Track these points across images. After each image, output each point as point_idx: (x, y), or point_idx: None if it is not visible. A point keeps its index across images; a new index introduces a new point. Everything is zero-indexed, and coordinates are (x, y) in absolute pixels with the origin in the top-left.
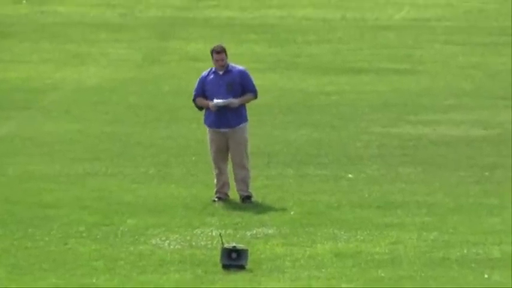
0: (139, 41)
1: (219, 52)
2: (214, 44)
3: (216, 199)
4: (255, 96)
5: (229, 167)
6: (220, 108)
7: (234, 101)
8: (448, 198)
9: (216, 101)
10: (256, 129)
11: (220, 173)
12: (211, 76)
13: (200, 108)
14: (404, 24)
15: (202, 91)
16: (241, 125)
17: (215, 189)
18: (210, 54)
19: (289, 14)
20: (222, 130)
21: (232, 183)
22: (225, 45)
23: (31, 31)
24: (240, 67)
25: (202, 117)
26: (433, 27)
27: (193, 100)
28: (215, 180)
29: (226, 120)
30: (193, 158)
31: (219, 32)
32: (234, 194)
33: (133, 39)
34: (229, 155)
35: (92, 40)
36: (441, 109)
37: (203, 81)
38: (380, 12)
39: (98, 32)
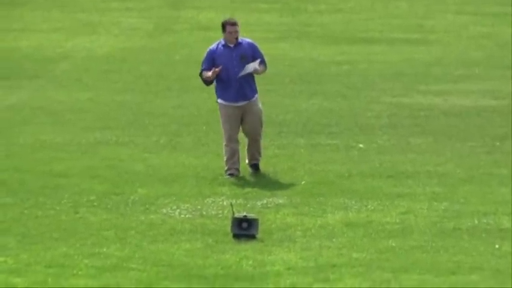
0: (151, 10)
1: (233, 24)
2: (225, 16)
3: (228, 176)
4: (266, 68)
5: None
6: (235, 83)
7: (259, 68)
8: (459, 168)
9: (243, 70)
10: (267, 98)
11: (234, 149)
12: (222, 49)
13: (206, 82)
14: None
15: (212, 65)
16: (255, 97)
17: (227, 166)
18: (221, 27)
19: None
20: (240, 104)
21: (242, 155)
22: (236, 14)
23: (42, 0)
24: (248, 39)
25: (215, 94)
26: None
27: (200, 74)
28: (226, 156)
29: (243, 94)
30: (204, 128)
31: (230, 1)
32: (243, 166)
33: (144, 8)
34: (243, 127)
35: (103, 9)
36: (452, 79)
37: (213, 55)
38: None
39: (109, 1)
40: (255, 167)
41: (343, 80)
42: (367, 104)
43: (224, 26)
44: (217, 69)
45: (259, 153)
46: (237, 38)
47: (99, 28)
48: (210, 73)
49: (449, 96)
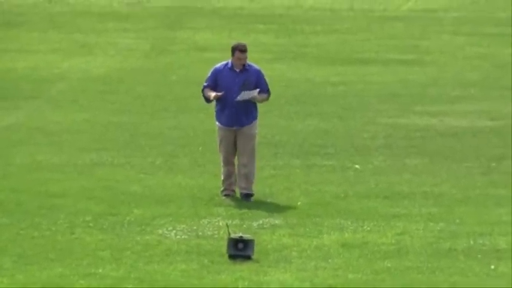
0: (147, 30)
1: (243, 51)
2: (222, 37)
3: (224, 197)
4: (268, 97)
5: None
6: (232, 108)
7: (258, 96)
8: (455, 189)
9: (240, 96)
10: (263, 119)
11: (230, 171)
12: (227, 72)
13: (207, 100)
14: (411, 15)
15: (215, 84)
16: (252, 123)
17: (223, 187)
18: (231, 50)
19: (297, 4)
20: (234, 128)
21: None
22: (232, 35)
23: (39, 20)
24: (256, 66)
25: (214, 114)
26: (441, 18)
27: (202, 90)
28: (223, 176)
29: (239, 119)
30: (200, 148)
31: (227, 22)
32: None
33: (141, 29)
34: (237, 150)
35: (99, 30)
36: (448, 100)
37: (217, 75)
38: (388, 2)
39: (106, 22)
40: (246, 196)
41: (339, 101)
42: (363, 125)
43: (234, 50)
44: (219, 94)
45: (249, 182)
46: (244, 65)
47: (95, 49)
48: (212, 94)
49: (445, 117)
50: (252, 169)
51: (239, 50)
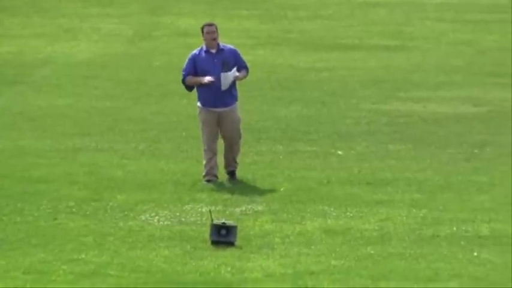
0: (131, 16)
1: (210, 25)
2: (205, 21)
3: (206, 183)
4: (247, 73)
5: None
6: (215, 87)
7: (239, 75)
8: (438, 175)
9: (223, 75)
10: (246, 105)
11: (212, 155)
12: (204, 55)
13: (189, 88)
14: (395, 0)
15: (194, 70)
16: (234, 104)
17: (205, 171)
18: (200, 31)
19: None
20: (217, 110)
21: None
22: (216, 21)
23: (22, 5)
24: (230, 46)
25: (196, 97)
26: (424, 4)
27: (183, 80)
28: (205, 161)
29: (222, 99)
30: (184, 134)
31: (210, 7)
32: (223, 172)
33: (124, 14)
34: (221, 133)
35: (83, 15)
36: (431, 86)
37: (194, 60)
38: None
39: (90, 7)
40: (231, 174)
41: (323, 87)
42: (346, 111)
43: (202, 29)
44: (211, 79)
45: (236, 161)
46: (215, 39)
47: (79, 34)
48: (197, 79)
49: (428, 103)
50: (238, 151)
51: (206, 25)
